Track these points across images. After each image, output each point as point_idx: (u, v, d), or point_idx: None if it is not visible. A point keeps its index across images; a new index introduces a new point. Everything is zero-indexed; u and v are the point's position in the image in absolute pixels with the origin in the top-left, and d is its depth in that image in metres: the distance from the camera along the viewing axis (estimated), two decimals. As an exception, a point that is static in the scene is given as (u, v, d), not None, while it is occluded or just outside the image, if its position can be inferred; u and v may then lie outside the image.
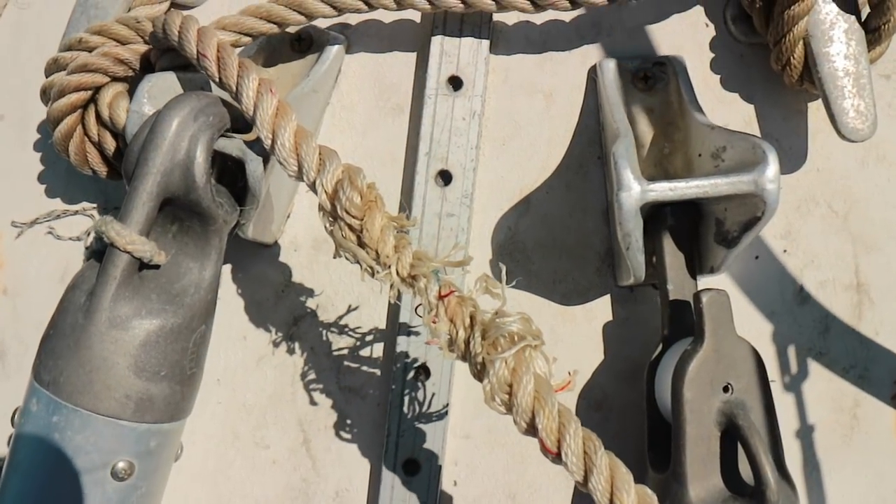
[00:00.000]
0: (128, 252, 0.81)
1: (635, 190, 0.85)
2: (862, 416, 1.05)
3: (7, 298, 1.12)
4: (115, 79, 0.98)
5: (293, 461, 1.05)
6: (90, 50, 0.98)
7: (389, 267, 0.80)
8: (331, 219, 0.82)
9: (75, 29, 1.05)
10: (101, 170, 1.03)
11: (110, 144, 1.00)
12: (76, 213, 1.11)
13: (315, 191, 0.82)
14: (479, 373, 0.78)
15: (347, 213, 0.80)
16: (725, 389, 0.89)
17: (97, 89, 0.98)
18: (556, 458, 0.75)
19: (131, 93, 0.99)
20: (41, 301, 1.11)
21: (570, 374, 0.78)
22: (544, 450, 0.76)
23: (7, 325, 1.12)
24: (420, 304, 0.80)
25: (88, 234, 0.87)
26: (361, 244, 0.81)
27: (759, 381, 0.91)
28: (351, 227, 0.81)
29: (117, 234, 0.81)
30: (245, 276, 1.05)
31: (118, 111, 0.97)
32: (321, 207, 0.82)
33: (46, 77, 1.01)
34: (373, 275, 0.81)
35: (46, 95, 1.00)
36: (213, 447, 1.06)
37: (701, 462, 0.88)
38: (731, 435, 0.88)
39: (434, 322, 0.78)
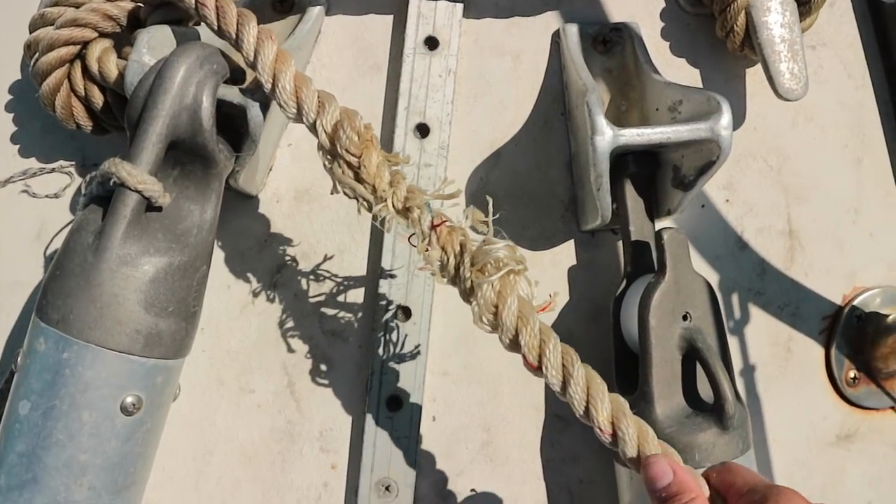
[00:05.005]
0: (138, 191, 0.85)
1: (608, 134, 0.94)
2: (795, 349, 1.17)
3: (-22, 258, 1.12)
4: (102, 34, 1.01)
5: (278, 404, 1.09)
6: (77, 6, 1.01)
7: (385, 200, 0.86)
8: (329, 157, 0.88)
9: (58, -14, 1.07)
10: (87, 124, 1.05)
11: (98, 98, 1.02)
12: (53, 170, 1.12)
13: (315, 131, 0.87)
14: (468, 295, 0.85)
15: (347, 151, 0.86)
16: (685, 318, 0.99)
17: (85, 44, 1.01)
18: (537, 370, 0.83)
19: (117, 48, 1.03)
20: (16, 259, 1.11)
21: (550, 296, 0.86)
22: (527, 364, 0.84)
23: (-21, 284, 1.12)
24: (413, 234, 0.86)
25: (91, 180, 0.90)
26: (359, 180, 0.87)
27: (713, 311, 1.01)
28: (349, 164, 0.87)
29: (128, 173, 0.84)
30: (229, 228, 1.09)
31: (108, 65, 0.99)
32: (321, 147, 0.88)
33: (31, 32, 1.02)
34: (370, 209, 0.87)
35: (32, 50, 1.02)
36: (199, 394, 1.09)
37: (665, 383, 0.97)
38: (691, 358, 0.98)
39: (427, 250, 0.85)
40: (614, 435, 0.81)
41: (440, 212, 0.85)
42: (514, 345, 0.83)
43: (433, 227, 0.85)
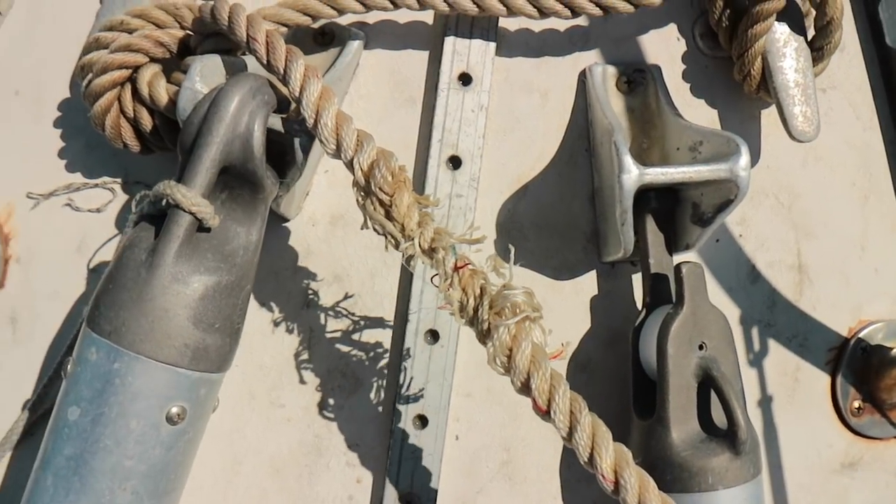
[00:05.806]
0: (192, 213, 0.90)
1: (634, 173, 1.00)
2: (802, 378, 1.22)
3: (19, 267, 1.16)
4: (153, 60, 1.06)
5: (307, 419, 1.14)
6: (130, 31, 1.06)
7: (413, 239, 0.90)
8: (363, 193, 0.92)
9: (110, 11, 1.12)
10: (134, 144, 1.09)
11: (146, 120, 1.07)
12: (96, 185, 1.17)
13: (352, 168, 0.91)
14: (484, 337, 0.89)
15: (381, 189, 0.90)
16: (701, 347, 1.03)
17: (136, 69, 1.06)
18: (546, 415, 0.86)
19: (166, 73, 1.08)
20: (56, 271, 1.16)
21: (563, 344, 0.91)
22: (536, 408, 0.87)
23: (19, 293, 1.16)
24: (436, 274, 0.90)
25: (142, 199, 0.94)
26: (390, 218, 0.91)
27: (728, 341, 1.05)
28: (381, 202, 0.91)
29: (183, 195, 0.89)
30: (266, 249, 1.11)
31: (158, 89, 1.05)
32: (356, 183, 0.92)
33: (85, 54, 1.07)
34: (396, 246, 0.91)
35: (85, 71, 1.07)
36: (230, 407, 1.13)
37: (682, 409, 1.02)
38: (706, 385, 1.03)
39: (448, 290, 0.89)
40: (616, 483, 0.83)
41: (464, 255, 0.89)
42: (525, 388, 0.86)
43: (456, 268, 0.88)
